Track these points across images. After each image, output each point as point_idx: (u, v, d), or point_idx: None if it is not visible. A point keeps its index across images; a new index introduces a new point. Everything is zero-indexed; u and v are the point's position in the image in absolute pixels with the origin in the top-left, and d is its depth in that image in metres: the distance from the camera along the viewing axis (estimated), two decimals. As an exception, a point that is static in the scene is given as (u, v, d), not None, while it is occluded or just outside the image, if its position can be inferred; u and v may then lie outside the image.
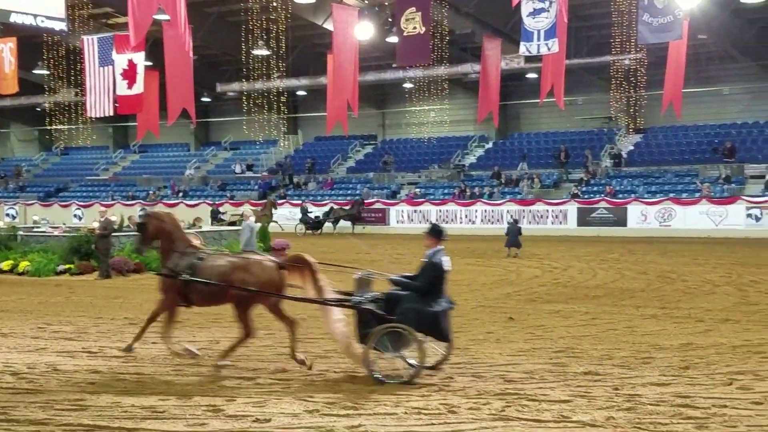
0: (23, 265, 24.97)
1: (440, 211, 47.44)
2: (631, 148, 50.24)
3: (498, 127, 51.50)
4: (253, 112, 49.86)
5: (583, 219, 43.67)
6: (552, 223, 44.38)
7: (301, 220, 47.15)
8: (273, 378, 10.83)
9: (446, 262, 10.87)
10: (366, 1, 41.47)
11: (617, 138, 51.24)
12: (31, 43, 43.10)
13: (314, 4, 44.47)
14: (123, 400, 9.69)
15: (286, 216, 48.50)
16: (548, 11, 29.45)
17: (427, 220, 46.64)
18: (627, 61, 41.99)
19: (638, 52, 38.49)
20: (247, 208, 32.10)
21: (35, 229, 30.65)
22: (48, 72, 48.13)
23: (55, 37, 39.99)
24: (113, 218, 25.85)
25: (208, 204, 52.90)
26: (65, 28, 30.30)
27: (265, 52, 44.68)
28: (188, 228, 27.87)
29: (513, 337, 13.81)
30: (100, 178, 65.69)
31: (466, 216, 46.76)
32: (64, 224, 35.09)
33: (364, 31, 35.48)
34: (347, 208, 47.71)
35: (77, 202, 59.05)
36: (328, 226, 47.34)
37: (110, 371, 11.26)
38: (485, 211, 46.24)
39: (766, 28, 45.02)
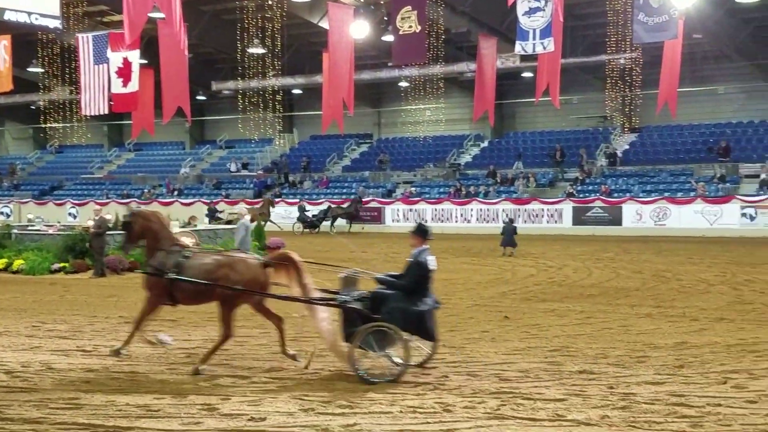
0: (18, 263, 24.92)
1: (436, 209, 47.45)
2: (626, 147, 50.30)
3: (493, 126, 51.52)
4: (249, 110, 49.81)
5: (579, 218, 43.71)
6: (547, 222, 44.41)
7: (299, 219, 47.05)
8: (268, 377, 10.82)
9: (432, 261, 10.87)
10: (362, 0, 41.47)
11: (612, 137, 51.29)
12: (26, 41, 43.07)
13: (310, 2, 44.47)
14: (118, 398, 9.68)
15: (282, 215, 48.43)
16: (544, 10, 29.48)
17: (423, 219, 46.70)
18: (622, 61, 42.04)
19: (633, 51, 38.55)
20: (242, 207, 32.15)
21: (30, 228, 30.58)
22: (43, 70, 48.08)
23: (49, 35, 39.93)
24: (108, 217, 25.81)
25: (205, 203, 52.87)
26: (60, 26, 30.27)
27: (260, 50, 44.66)
28: (183, 226, 27.91)
29: (508, 336, 13.81)
30: (95, 177, 65.56)
31: (461, 215, 46.76)
32: (59, 222, 35.04)
33: (360, 29, 35.51)
34: (345, 206, 47.58)
35: (72, 201, 58.98)
36: (325, 224, 47.17)
37: (105, 370, 11.25)
38: (480, 210, 46.25)
39: (761, 28, 45.10)
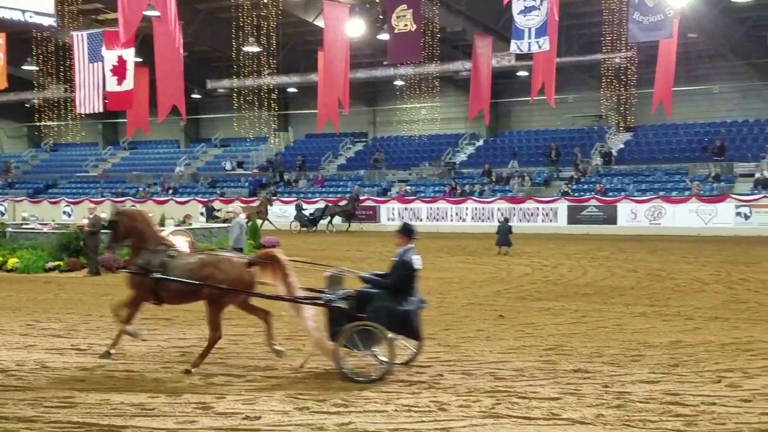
0: (12, 261, 24.89)
1: (431, 208, 47.44)
2: (622, 146, 50.31)
3: (489, 125, 51.48)
4: (244, 109, 49.73)
5: (574, 217, 43.72)
6: (542, 221, 44.41)
7: (296, 218, 46.88)
8: (263, 375, 10.83)
9: (417, 260, 10.86)
10: (357, -2, 41.45)
11: (607, 136, 51.29)
12: (20, 39, 42.93)
13: (305, 0, 44.45)
14: (112, 397, 9.68)
15: (277, 213, 48.36)
16: (539, 9, 29.52)
17: (418, 218, 46.70)
18: (617, 60, 42.02)
19: (629, 50, 38.53)
20: (236, 206, 32.13)
21: (24, 226, 30.54)
22: (37, 68, 47.95)
23: (44, 33, 39.80)
24: (102, 215, 25.77)
25: (200, 201, 52.82)
26: (54, 24, 30.19)
27: (255, 48, 44.59)
28: (178, 225, 27.90)
29: (503, 335, 13.82)
30: (90, 175, 65.42)
31: (456, 214, 46.75)
32: (53, 221, 34.98)
33: (355, 28, 35.50)
34: (342, 204, 47.42)
35: (66, 199, 58.88)
36: (322, 223, 46.94)
37: (99, 368, 11.24)
38: (476, 208, 46.25)
39: (755, 27, 45.14)
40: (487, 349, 12.48)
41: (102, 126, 68.37)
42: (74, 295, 19.73)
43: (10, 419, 8.85)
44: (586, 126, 53.18)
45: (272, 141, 60.68)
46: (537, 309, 16.81)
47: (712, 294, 19.01)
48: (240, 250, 22.24)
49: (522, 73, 48.22)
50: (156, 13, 29.19)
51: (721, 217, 40.17)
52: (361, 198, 48.68)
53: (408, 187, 50.62)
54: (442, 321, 15.33)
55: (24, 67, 50.86)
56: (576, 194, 45.10)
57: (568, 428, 8.48)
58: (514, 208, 44.65)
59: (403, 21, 31.42)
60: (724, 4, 42.08)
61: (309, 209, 47.87)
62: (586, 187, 45.91)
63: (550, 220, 44.25)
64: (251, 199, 51.64)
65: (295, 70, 53.55)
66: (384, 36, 36.58)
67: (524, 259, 27.77)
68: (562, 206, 44.29)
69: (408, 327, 10.73)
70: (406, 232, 11.11)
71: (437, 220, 46.84)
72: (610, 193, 44.08)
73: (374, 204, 48.85)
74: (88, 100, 32.45)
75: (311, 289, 11.48)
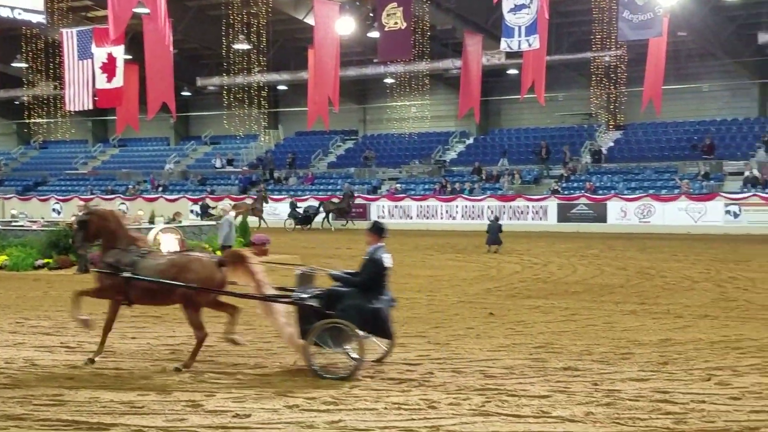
0: (1, 259, 24.78)
1: (421, 206, 47.44)
2: (611, 144, 50.40)
3: (479, 123, 51.58)
4: (234, 106, 49.72)
5: (564, 215, 43.77)
6: (532, 219, 44.44)
7: (290, 215, 46.70)
8: (253, 373, 10.81)
9: (387, 258, 10.88)
10: (347, -4, 41.41)
11: (597, 134, 51.38)
12: (10, 36, 42.90)
13: (295, -2, 44.41)
14: (102, 395, 9.64)
15: (267, 211, 48.23)
16: (529, 7, 29.58)
17: (408, 216, 46.75)
18: (607, 58, 42.10)
19: (618, 48, 38.60)
20: (226, 203, 32.08)
21: (13, 224, 30.42)
22: (26, 65, 47.83)
23: (33, 30, 39.70)
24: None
25: (190, 199, 52.74)
26: (43, 21, 30.14)
27: (245, 46, 44.54)
28: (168, 222, 27.84)
29: (493, 333, 13.83)
30: (79, 173, 65.29)
31: (446, 211, 46.77)
32: (43, 218, 34.87)
33: (346, 26, 35.49)
34: (336, 201, 47.14)
35: (56, 197, 58.73)
36: (317, 221, 46.62)
37: (88, 366, 11.20)
38: (466, 206, 46.26)
39: (745, 26, 45.26)
40: (477, 347, 12.48)
41: (92, 123, 68.20)
42: (63, 292, 19.63)
43: (-1, 417, 8.83)
44: (576, 124, 53.25)
45: (262, 139, 60.60)
46: (527, 307, 16.83)
47: (701, 292, 19.06)
48: (229, 247, 22.28)
49: (512, 72, 48.29)
50: (146, 10, 29.12)
51: (711, 215, 40.28)
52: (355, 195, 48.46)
53: (398, 185, 50.64)
54: (432, 319, 15.34)
55: (13, 65, 50.82)
56: (566, 192, 45.15)
57: (557, 426, 8.49)
58: (504, 206, 44.68)
59: (394, 19, 31.43)
60: (714, 3, 42.22)
61: (302, 207, 47.71)
62: (576, 185, 45.98)
63: (540, 218, 44.29)
64: (241, 196, 51.54)
65: (286, 68, 53.52)
66: (374, 34, 36.59)
67: (514, 257, 27.79)
68: (552, 204, 44.34)
69: (378, 325, 10.75)
70: (377, 230, 11.15)
71: (427, 218, 46.86)
72: (600, 192, 44.15)
73: (364, 202, 48.78)
74: (77, 98, 32.39)
75: (282, 288, 11.50)
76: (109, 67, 31.40)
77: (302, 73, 45.62)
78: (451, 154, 55.18)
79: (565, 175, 47.48)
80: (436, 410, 9.02)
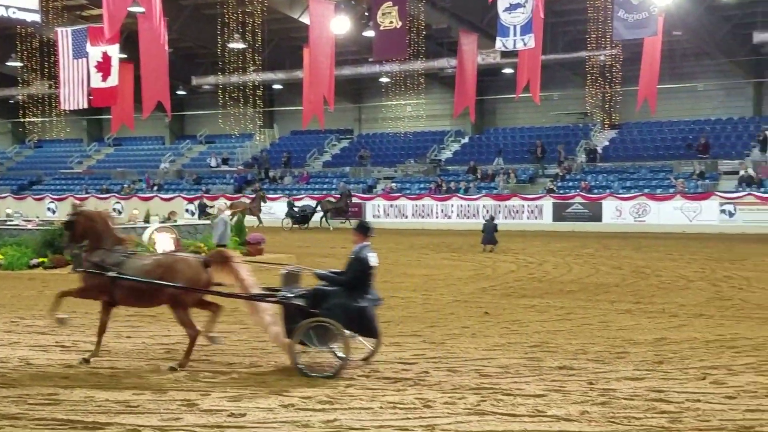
0: (-4, 258, 24.74)
1: (416, 205, 47.41)
2: (606, 143, 50.43)
3: (474, 122, 51.57)
4: (229, 105, 49.68)
5: (559, 214, 43.78)
6: (527, 218, 44.45)
7: (287, 214, 46.55)
8: (248, 372, 10.81)
9: (372, 257, 10.96)
10: (342, -5, 41.40)
11: (592, 133, 51.41)
12: (4, 35, 42.85)
13: (290, -3, 44.37)
14: (97, 394, 9.63)
15: (263, 210, 48.07)
16: (524, 7, 29.57)
17: (404, 215, 46.78)
18: (602, 57, 42.13)
19: (613, 48, 38.62)
20: (221, 202, 32.06)
21: (8, 223, 30.34)
22: (21, 64, 47.76)
23: (28, 29, 39.65)
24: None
25: (185, 198, 52.69)
26: (38, 20, 30.08)
27: (240, 45, 44.52)
28: (163, 222, 27.80)
29: (488, 332, 13.84)
30: (74, 172, 65.19)
31: (441, 211, 46.75)
32: (38, 218, 34.79)
33: (341, 25, 35.45)
34: (333, 200, 46.98)
35: (51, 196, 58.60)
36: (314, 220, 46.47)
37: (84, 366, 11.18)
38: (461, 206, 46.25)
39: (740, 25, 45.33)
40: (472, 346, 12.49)
41: (86, 122, 68.12)
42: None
43: (-6, 417, 8.81)
44: (571, 123, 53.29)
45: (257, 138, 60.54)
46: (522, 306, 16.84)
47: (696, 291, 19.08)
48: (224, 246, 22.24)
49: (507, 71, 48.33)
50: (141, 9, 29.08)
51: (706, 214, 40.31)
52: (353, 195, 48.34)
53: (393, 184, 50.63)
54: (428, 318, 15.34)
55: (8, 63, 50.68)
56: (561, 191, 45.17)
57: (553, 425, 8.49)
58: (499, 206, 44.68)
59: (389, 18, 31.43)
60: (709, 2, 42.30)
61: (299, 206, 47.56)
62: (571, 184, 45.99)
63: (536, 218, 44.31)
64: (236, 195, 51.48)
65: (281, 67, 53.50)
66: (369, 33, 36.53)
67: (509, 256, 27.80)
68: (548, 203, 44.36)
69: (363, 324, 10.80)
70: (363, 229, 11.25)
71: (423, 217, 46.86)
72: (595, 191, 44.16)
73: (360, 201, 48.74)
74: (72, 97, 32.33)
75: (268, 288, 11.53)
76: (104, 66, 31.36)
77: (297, 72, 45.53)
78: (447, 154, 55.18)
79: (560, 174, 47.50)
80: (432, 409, 9.02)
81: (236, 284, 11.30)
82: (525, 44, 30.09)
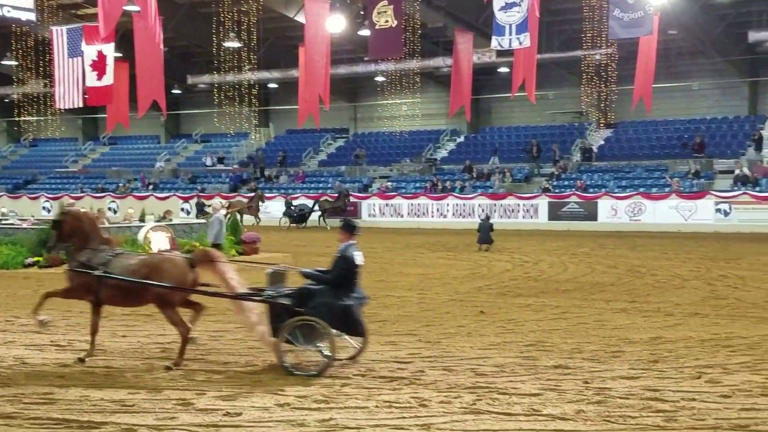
0: (-9, 257, 24.69)
1: (412, 204, 47.41)
2: (602, 142, 50.47)
3: (469, 121, 51.61)
4: (224, 104, 49.63)
5: (554, 213, 43.81)
6: (523, 217, 44.47)
7: (285, 214, 46.47)
8: (243, 371, 10.80)
9: (358, 256, 11.00)
10: (338, -6, 41.37)
11: (588, 133, 51.44)
12: (-1, 34, 42.70)
13: (286, -4, 44.34)
14: (92, 393, 9.62)
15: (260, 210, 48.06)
16: (520, 6, 29.57)
17: (399, 214, 46.78)
18: (598, 56, 42.14)
19: (609, 47, 38.65)
20: (217, 201, 32.02)
21: (3, 222, 30.30)
22: (16, 63, 47.70)
23: (23, 28, 39.59)
24: (82, 211, 25.61)
25: (180, 197, 52.63)
26: (33, 19, 30.05)
27: (236, 44, 44.47)
28: (158, 221, 27.78)
29: (484, 331, 13.84)
30: (70, 171, 65.14)
31: (437, 210, 46.76)
32: (33, 217, 34.78)
33: (336, 24, 35.40)
34: (331, 200, 46.88)
35: (46, 195, 58.53)
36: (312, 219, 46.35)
37: (79, 365, 11.17)
38: (457, 205, 46.26)
39: (735, 24, 45.39)
40: (467, 345, 12.49)
41: (82, 121, 68.08)
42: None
43: (-11, 416, 8.79)
44: (566, 122, 53.31)
45: (253, 137, 60.54)
46: (518, 305, 16.84)
47: (691, 290, 19.10)
48: (219, 245, 22.23)
49: (503, 70, 48.34)
50: (136, 8, 29.05)
51: (701, 213, 40.35)
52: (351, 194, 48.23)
53: (389, 184, 50.62)
54: (423, 317, 15.34)
55: (3, 62, 50.58)
56: (557, 191, 45.20)
57: (548, 424, 8.50)
58: (495, 205, 44.68)
59: (384, 17, 31.42)
60: (704, 1, 42.33)
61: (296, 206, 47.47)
62: (566, 183, 46.01)
63: (531, 217, 44.32)
64: (232, 195, 51.42)
65: (276, 66, 53.47)
66: (365, 32, 36.56)
67: (505, 256, 27.80)
68: (543, 202, 44.38)
69: (349, 323, 10.84)
70: (349, 228, 11.29)
71: (418, 216, 46.86)
72: (591, 190, 44.20)
73: (355, 200, 48.72)
74: (67, 95, 32.30)
75: (254, 288, 11.56)
76: (99, 65, 31.33)
77: (293, 71, 45.54)
78: (442, 153, 55.20)
79: (556, 173, 47.52)
80: (427, 408, 9.02)
81: (221, 284, 11.34)
82: (520, 43, 30.09)
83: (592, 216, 42.79)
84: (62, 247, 12.42)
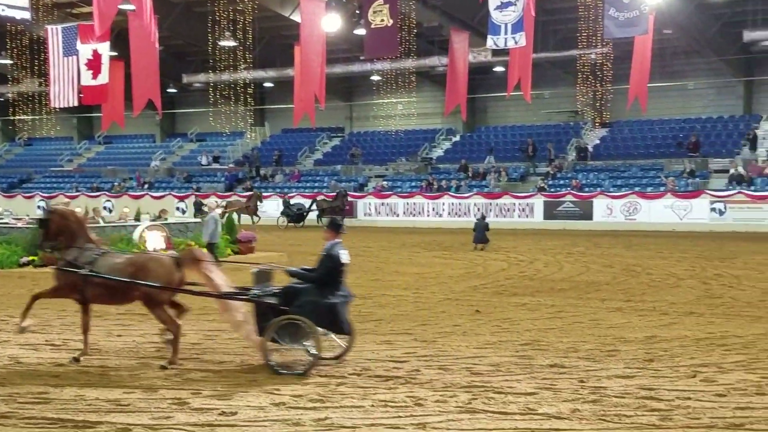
0: (-14, 257, 24.65)
1: (407, 204, 47.39)
2: (597, 142, 50.49)
3: (465, 121, 51.56)
4: (220, 103, 49.58)
5: (550, 212, 43.81)
6: (519, 216, 44.47)
7: (283, 213, 46.40)
8: (239, 371, 10.80)
9: (344, 254, 11.03)
10: (333, -7, 41.36)
11: (583, 132, 51.44)
12: (-6, 33, 42.63)
13: (281, -5, 44.33)
14: (87, 393, 9.61)
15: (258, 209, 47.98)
16: (515, 5, 29.59)
17: (395, 213, 46.78)
18: (593, 56, 42.19)
19: (604, 46, 38.70)
20: (212, 200, 31.99)
21: (-2, 221, 30.26)
22: (11, 61, 47.66)
23: (18, 26, 39.55)
24: (78, 210, 25.58)
25: (176, 196, 52.58)
26: (28, 18, 30.04)
27: (231, 43, 44.45)
28: (154, 220, 27.76)
29: (479, 330, 13.84)
30: (65, 170, 65.02)
31: (433, 209, 46.75)
32: (28, 216, 34.69)
33: (332, 23, 35.44)
34: (329, 200, 46.79)
35: (41, 194, 58.39)
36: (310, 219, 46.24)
37: (74, 364, 11.15)
38: (452, 204, 46.25)
39: (730, 24, 45.42)
40: (463, 344, 12.49)
41: (77, 120, 67.93)
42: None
43: (-16, 415, 8.78)
44: (562, 122, 53.32)
45: (248, 136, 60.47)
46: (513, 304, 16.85)
47: (686, 289, 19.11)
48: (214, 245, 22.23)
49: (498, 69, 48.33)
50: (131, 6, 29.03)
51: (696, 212, 40.38)
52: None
53: (384, 183, 50.60)
54: (419, 316, 15.34)
55: (-2, 61, 50.51)
56: (552, 190, 45.21)
57: (544, 423, 8.50)
58: (490, 204, 44.69)
59: (380, 16, 31.42)
60: (699, 1, 42.38)
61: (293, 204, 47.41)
62: (562, 182, 46.04)
63: (527, 216, 44.33)
64: (227, 194, 51.36)
65: (272, 65, 53.44)
66: (360, 31, 36.53)
67: (500, 255, 27.81)
68: (539, 202, 44.39)
69: (334, 321, 10.85)
70: (334, 227, 11.33)
71: (414, 215, 46.85)
72: (586, 189, 44.21)
73: (351, 199, 48.70)
74: (62, 94, 32.27)
75: (239, 287, 11.59)
76: (94, 64, 31.31)
77: (288, 70, 45.48)
78: (438, 152, 55.17)
79: (551, 172, 47.54)
80: (423, 407, 9.02)
81: (207, 284, 11.37)
82: (516, 42, 30.11)
83: (588, 215, 42.81)
84: (49, 246, 12.42)
